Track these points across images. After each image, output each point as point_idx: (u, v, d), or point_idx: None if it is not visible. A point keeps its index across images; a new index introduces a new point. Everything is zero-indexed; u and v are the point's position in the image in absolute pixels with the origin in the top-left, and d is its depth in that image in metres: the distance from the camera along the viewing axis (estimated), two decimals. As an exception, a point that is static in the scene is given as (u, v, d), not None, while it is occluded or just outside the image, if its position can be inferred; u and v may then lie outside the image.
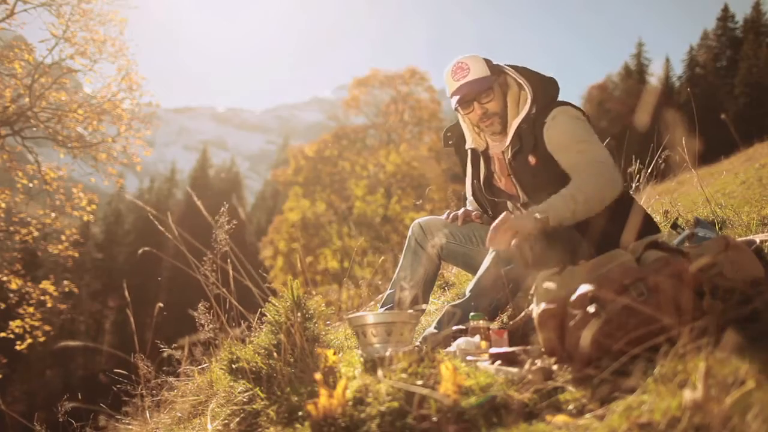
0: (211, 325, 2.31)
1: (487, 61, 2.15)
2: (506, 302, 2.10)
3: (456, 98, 2.12)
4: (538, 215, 1.74)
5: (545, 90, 2.11)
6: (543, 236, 1.74)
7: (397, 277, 2.35)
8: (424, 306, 2.36)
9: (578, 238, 1.98)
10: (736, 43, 33.90)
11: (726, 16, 35.28)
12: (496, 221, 1.76)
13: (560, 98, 2.15)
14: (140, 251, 2.13)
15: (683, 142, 2.89)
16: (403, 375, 1.22)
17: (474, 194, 2.36)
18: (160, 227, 1.86)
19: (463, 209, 2.40)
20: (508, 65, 2.18)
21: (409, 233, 2.40)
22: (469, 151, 2.32)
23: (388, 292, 2.35)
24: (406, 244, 2.39)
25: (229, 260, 1.86)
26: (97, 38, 10.42)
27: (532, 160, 2.05)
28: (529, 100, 2.09)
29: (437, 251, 2.36)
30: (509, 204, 2.26)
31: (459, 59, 2.15)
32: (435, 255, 2.35)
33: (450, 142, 2.40)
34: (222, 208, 1.97)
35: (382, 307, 2.31)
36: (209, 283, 1.98)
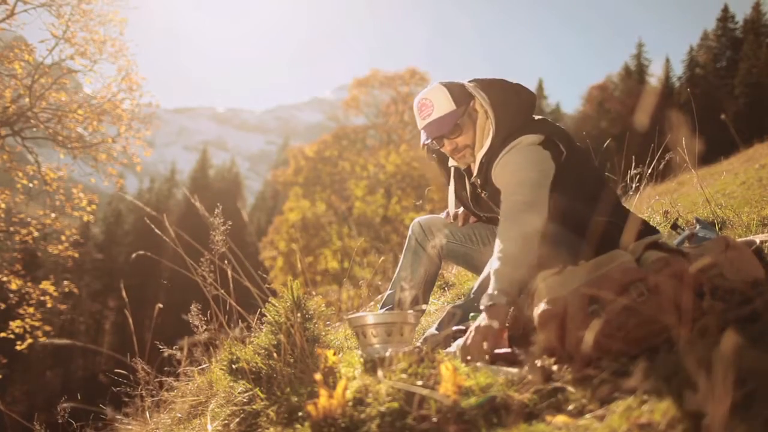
0: (206, 327, 2.30)
1: (453, 89, 2.02)
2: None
3: (424, 136, 2.06)
4: (499, 300, 1.60)
5: (509, 117, 1.99)
6: (544, 239, 1.73)
7: (397, 277, 2.34)
8: (424, 306, 2.36)
9: (578, 239, 1.98)
10: (736, 44, 33.95)
11: (726, 16, 35.32)
12: (462, 343, 1.54)
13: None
14: (133, 255, 2.13)
15: (683, 142, 2.88)
16: (403, 375, 1.22)
17: (464, 206, 2.34)
18: (156, 230, 1.86)
19: (462, 208, 2.39)
20: (480, 83, 2.05)
21: (409, 233, 2.39)
22: (452, 168, 2.27)
23: (388, 292, 2.35)
24: (406, 244, 2.38)
25: (226, 261, 1.86)
26: (97, 38, 10.42)
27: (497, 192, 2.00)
28: (491, 133, 2.00)
29: (438, 251, 2.35)
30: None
31: (422, 95, 2.06)
32: (435, 255, 2.34)
33: (434, 155, 2.33)
34: (216, 210, 1.96)
35: (382, 307, 2.31)
36: (207, 284, 1.98)
